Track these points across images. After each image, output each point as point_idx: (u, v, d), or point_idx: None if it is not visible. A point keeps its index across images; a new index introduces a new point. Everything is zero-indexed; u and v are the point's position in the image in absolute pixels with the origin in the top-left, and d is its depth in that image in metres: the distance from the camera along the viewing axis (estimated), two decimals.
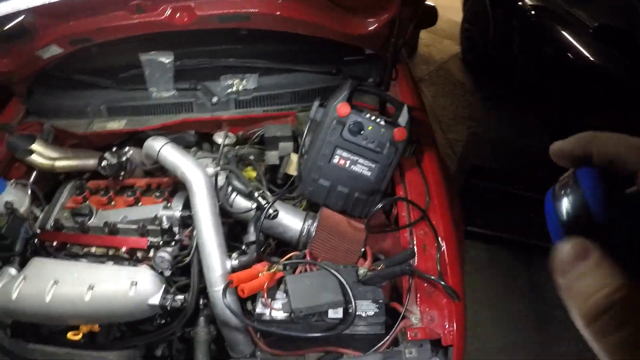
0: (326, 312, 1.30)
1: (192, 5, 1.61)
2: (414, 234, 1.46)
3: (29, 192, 1.75)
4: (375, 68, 1.87)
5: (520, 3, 3.56)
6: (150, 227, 1.55)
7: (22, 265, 1.59)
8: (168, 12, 1.61)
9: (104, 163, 1.65)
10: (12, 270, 1.58)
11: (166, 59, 1.77)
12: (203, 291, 1.47)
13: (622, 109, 2.80)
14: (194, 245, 1.46)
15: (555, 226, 0.43)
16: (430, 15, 2.30)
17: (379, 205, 1.43)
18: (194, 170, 1.46)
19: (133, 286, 1.41)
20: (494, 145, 3.37)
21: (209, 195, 1.44)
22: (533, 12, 3.39)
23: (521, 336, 2.51)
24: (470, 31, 4.36)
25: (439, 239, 1.43)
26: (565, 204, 0.42)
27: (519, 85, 3.77)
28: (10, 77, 1.89)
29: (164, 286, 1.45)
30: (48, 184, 1.92)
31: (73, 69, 1.93)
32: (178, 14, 1.62)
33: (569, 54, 3.01)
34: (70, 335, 1.47)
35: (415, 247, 1.43)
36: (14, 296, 1.45)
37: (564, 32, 3.06)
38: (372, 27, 1.68)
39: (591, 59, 2.88)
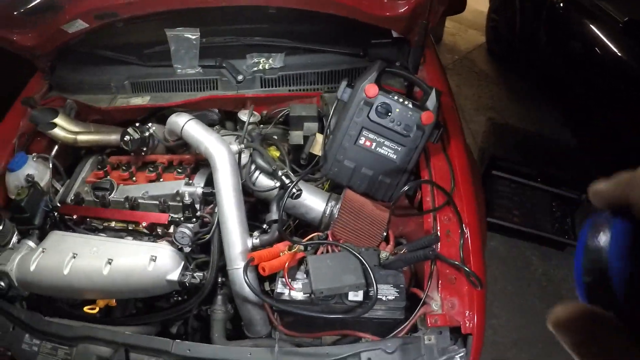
0: (346, 295, 1.28)
1: None
2: (437, 219, 1.43)
3: (50, 165, 1.76)
4: (402, 52, 1.83)
5: None
6: (171, 203, 1.54)
7: (41, 239, 1.59)
8: None
9: (126, 138, 1.64)
10: (31, 243, 1.59)
11: (192, 35, 1.75)
12: (221, 269, 1.46)
13: None
14: (215, 222, 1.45)
15: (578, 265, 0.40)
16: (459, 1, 2.26)
17: (405, 188, 1.41)
18: (218, 146, 1.45)
19: (152, 261, 1.41)
20: (516, 137, 3.31)
21: (232, 172, 1.43)
22: (561, 5, 3.31)
23: (534, 332, 2.47)
24: (496, 22, 4.28)
25: (463, 225, 1.40)
26: (591, 253, 0.39)
27: (544, 79, 3.69)
28: (35, 51, 1.88)
29: (183, 262, 1.44)
30: (69, 158, 1.93)
31: (97, 44, 1.92)
32: None
33: (597, 49, 2.93)
34: (86, 309, 1.48)
35: (438, 233, 1.40)
36: (32, 268, 1.45)
37: (592, 26, 2.98)
38: (402, 9, 1.64)
39: (619, 54, 2.81)
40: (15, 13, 1.67)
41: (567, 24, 3.26)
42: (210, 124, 1.80)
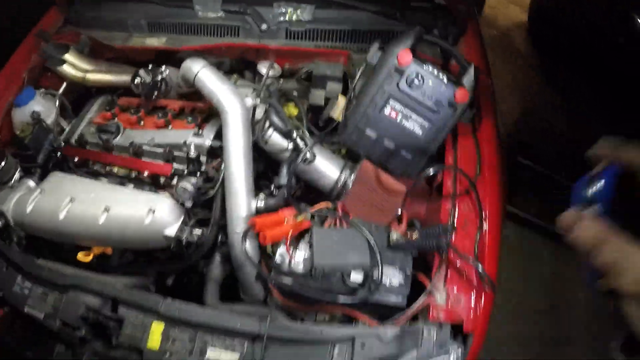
0: (348, 273, 1.20)
1: None
2: (456, 206, 1.33)
3: (57, 103, 1.69)
4: (441, 20, 1.68)
5: None
6: (177, 153, 1.47)
7: (42, 178, 1.54)
8: None
9: (136, 80, 1.55)
10: (31, 183, 1.54)
11: None
12: (223, 227, 1.39)
13: None
14: (220, 180, 1.37)
15: (576, 200, 0.62)
16: None
17: (430, 171, 1.29)
18: (231, 99, 1.34)
19: (150, 213, 1.35)
20: (547, 127, 3.07)
21: (244, 129, 1.33)
22: None
23: (531, 328, 2.37)
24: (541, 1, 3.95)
25: (483, 218, 1.30)
26: (585, 190, 0.61)
27: (587, 68, 3.40)
28: None
29: (182, 217, 1.38)
30: (77, 96, 1.84)
31: None
32: None
33: None
34: (80, 255, 1.41)
35: (455, 223, 1.30)
36: (29, 209, 1.41)
37: None
38: None
39: None
40: None
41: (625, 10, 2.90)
42: (228, 72, 1.70)
